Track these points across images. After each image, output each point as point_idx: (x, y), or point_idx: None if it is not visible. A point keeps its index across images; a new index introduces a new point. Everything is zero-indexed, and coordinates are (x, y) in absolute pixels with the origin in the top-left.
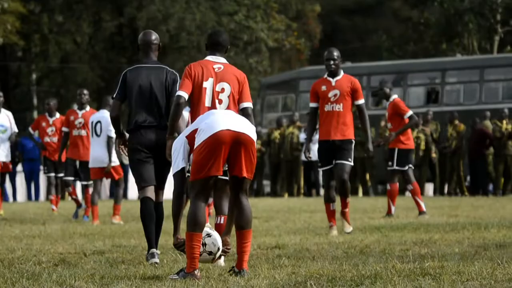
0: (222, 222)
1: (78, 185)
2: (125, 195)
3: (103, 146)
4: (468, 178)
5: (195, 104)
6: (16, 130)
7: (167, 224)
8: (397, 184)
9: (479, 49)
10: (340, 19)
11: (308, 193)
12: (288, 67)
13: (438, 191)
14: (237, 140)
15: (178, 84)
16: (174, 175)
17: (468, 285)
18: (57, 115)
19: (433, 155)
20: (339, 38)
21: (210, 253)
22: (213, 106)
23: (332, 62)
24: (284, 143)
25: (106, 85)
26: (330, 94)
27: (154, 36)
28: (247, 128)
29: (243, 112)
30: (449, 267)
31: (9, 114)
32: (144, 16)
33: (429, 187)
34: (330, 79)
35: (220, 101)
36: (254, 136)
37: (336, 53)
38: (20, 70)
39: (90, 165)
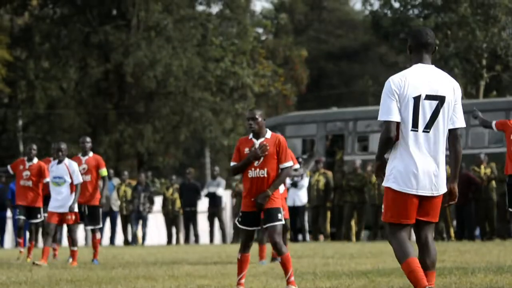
0: None
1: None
2: (112, 241)
3: None
4: (455, 223)
5: None
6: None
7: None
8: None
9: (464, 94)
10: (326, 64)
11: (295, 238)
12: (275, 112)
13: None
14: (426, 201)
15: None
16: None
17: None
18: (35, 160)
19: None
20: (326, 83)
21: None
22: None
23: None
24: None
25: (92, 131)
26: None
27: None
28: (439, 186)
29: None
30: None
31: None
32: (130, 62)
33: None
34: (254, 139)
35: None
36: (443, 190)
37: (259, 112)
38: (6, 117)
39: None
